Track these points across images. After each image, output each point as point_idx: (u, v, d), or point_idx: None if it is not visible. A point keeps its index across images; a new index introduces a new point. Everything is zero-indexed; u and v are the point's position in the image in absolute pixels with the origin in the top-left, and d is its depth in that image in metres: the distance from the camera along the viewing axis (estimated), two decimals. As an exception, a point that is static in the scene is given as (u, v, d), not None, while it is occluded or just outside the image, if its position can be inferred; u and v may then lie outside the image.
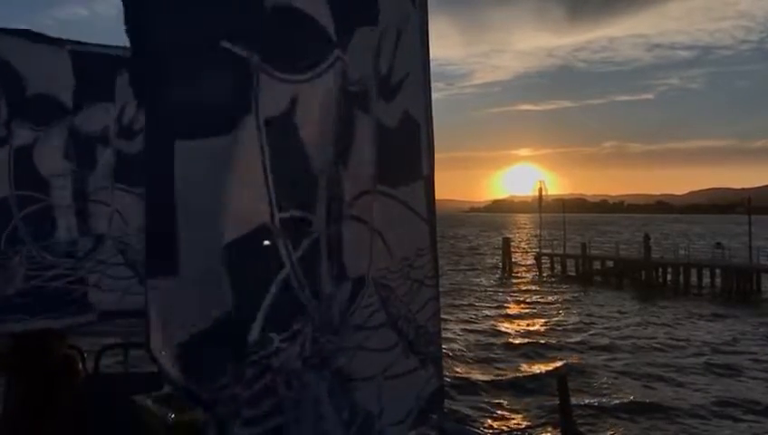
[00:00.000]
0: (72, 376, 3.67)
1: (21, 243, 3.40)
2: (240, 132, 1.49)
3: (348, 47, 1.81)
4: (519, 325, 26.02)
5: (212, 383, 1.37)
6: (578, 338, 22.96)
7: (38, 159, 3.50)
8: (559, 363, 18.69)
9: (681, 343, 22.23)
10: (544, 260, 49.37)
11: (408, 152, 2.20)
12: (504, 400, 15.32)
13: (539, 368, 18.38)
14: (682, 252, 42.71)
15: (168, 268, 1.29)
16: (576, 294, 35.55)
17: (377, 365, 1.95)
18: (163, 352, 1.29)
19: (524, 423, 13.60)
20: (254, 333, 1.48)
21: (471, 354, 19.88)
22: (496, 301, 33.22)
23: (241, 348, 1.45)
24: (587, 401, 14.66)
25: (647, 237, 42.32)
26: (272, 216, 1.55)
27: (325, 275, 1.74)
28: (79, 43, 3.78)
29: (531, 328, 25.35)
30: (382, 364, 1.98)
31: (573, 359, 19.49)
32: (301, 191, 1.66)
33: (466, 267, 51.62)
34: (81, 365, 3.82)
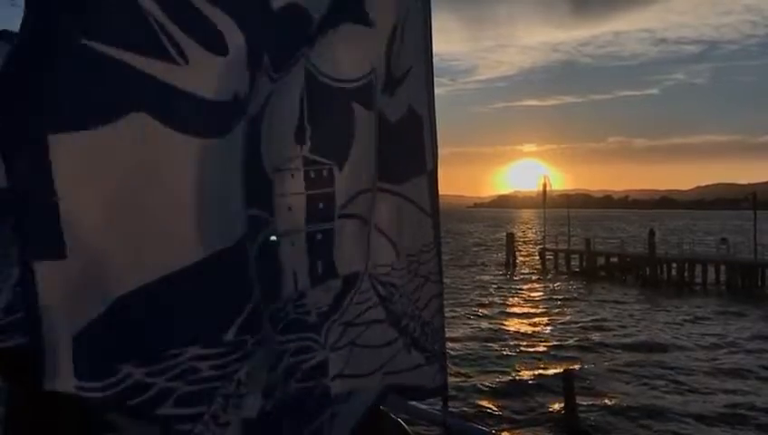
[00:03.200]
0: None
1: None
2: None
3: (330, 42, 1.80)
4: (522, 324, 26.00)
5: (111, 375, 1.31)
6: (581, 337, 22.87)
7: None
8: (563, 363, 18.54)
9: (687, 343, 22.11)
10: (548, 256, 49.37)
11: (412, 147, 2.19)
12: (508, 398, 15.32)
13: (543, 367, 18.34)
14: (686, 247, 42.65)
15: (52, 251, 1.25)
16: (580, 291, 35.52)
17: (374, 361, 1.95)
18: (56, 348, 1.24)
19: (529, 420, 13.61)
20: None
21: (473, 353, 19.86)
22: (500, 298, 33.22)
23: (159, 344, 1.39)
24: (590, 403, 14.54)
25: (651, 233, 42.24)
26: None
27: (287, 275, 1.70)
28: None
29: (533, 327, 25.30)
30: (379, 360, 1.97)
31: (576, 359, 19.36)
32: (257, 189, 1.61)
33: (470, 263, 51.61)
34: None
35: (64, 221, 1.23)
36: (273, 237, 1.66)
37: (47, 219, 1.22)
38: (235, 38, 1.48)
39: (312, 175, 1.75)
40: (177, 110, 1.38)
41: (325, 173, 1.78)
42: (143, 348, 1.34)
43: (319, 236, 1.77)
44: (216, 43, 1.45)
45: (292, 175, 1.71)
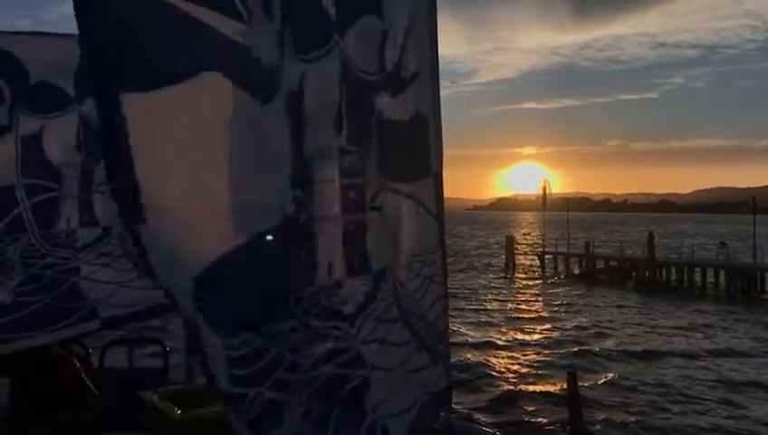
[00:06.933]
0: (67, 375, 3.64)
1: (22, 231, 3.36)
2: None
3: (353, 35, 1.80)
4: (521, 328, 25.88)
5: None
6: (580, 343, 22.60)
7: (47, 147, 3.46)
8: (562, 369, 18.28)
9: (687, 349, 21.83)
10: (548, 259, 49.33)
11: (419, 149, 2.20)
12: (508, 402, 15.29)
13: (542, 372, 18.23)
14: (686, 251, 42.61)
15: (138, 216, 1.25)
16: (580, 295, 35.37)
17: (396, 358, 1.95)
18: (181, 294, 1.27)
19: (532, 423, 13.58)
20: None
21: (472, 357, 19.75)
22: (499, 302, 33.09)
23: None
24: (589, 412, 14.29)
25: (651, 237, 42.20)
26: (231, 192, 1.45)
27: (322, 262, 1.69)
28: None
29: (533, 332, 25.09)
30: (401, 358, 1.98)
31: (575, 365, 19.04)
32: (293, 172, 1.60)
33: (469, 266, 51.52)
34: (77, 362, 3.77)
35: (143, 188, 1.22)
36: (269, 236, 1.64)
37: (129, 185, 1.21)
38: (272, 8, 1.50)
39: (346, 164, 1.75)
40: (244, 69, 1.39)
41: (357, 163, 1.79)
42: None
43: (352, 227, 1.77)
44: (268, 6, 1.47)
45: (330, 162, 1.71)
